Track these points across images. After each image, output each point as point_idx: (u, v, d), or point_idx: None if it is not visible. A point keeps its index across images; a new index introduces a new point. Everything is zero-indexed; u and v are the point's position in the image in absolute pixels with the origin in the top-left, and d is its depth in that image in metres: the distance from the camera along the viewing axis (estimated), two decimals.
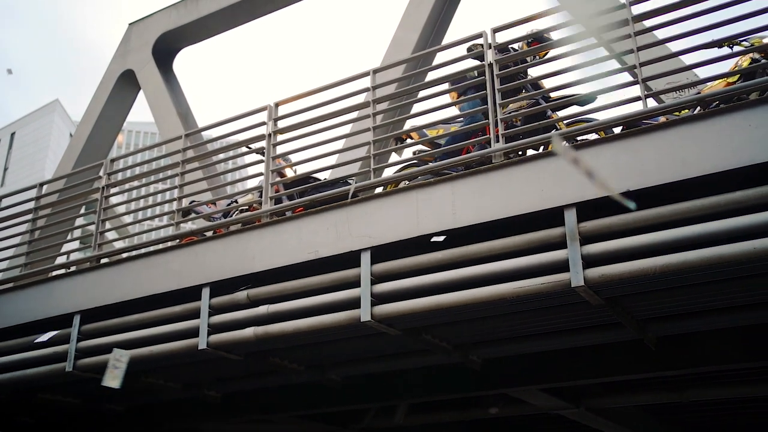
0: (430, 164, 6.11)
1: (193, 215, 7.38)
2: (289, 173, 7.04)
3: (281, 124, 6.70)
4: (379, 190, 6.30)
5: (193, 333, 6.11)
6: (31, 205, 8.20)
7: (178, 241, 6.99)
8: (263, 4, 11.28)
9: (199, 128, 8.13)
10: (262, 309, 5.84)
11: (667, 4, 5.13)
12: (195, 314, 6.18)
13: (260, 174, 6.75)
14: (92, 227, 7.57)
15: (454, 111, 6.57)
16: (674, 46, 5.39)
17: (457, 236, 5.16)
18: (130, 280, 6.72)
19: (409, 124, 6.84)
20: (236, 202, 7.45)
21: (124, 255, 7.17)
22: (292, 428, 8.93)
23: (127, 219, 12.13)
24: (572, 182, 4.77)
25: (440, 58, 8.26)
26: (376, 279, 5.38)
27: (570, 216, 4.71)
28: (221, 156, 7.88)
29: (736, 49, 5.40)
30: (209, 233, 6.90)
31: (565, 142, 5.54)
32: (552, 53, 5.61)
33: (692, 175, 4.42)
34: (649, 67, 5.16)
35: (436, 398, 7.58)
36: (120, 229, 11.41)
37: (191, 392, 7.72)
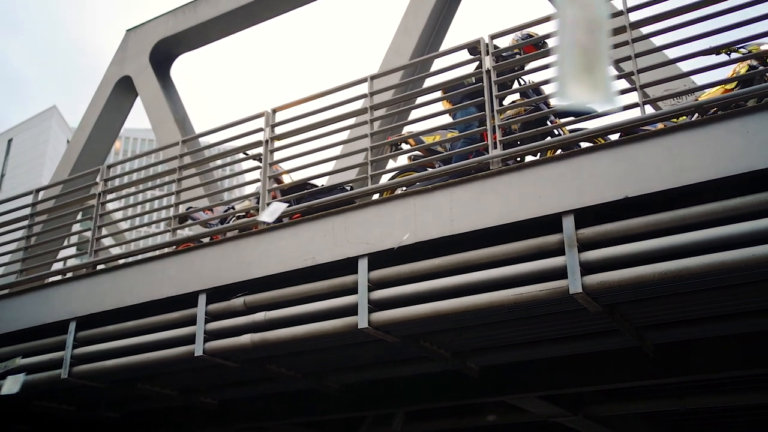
0: (430, 170, 6.10)
1: (189, 222, 7.35)
2: (287, 179, 7.03)
3: (278, 130, 6.69)
4: (376, 196, 6.28)
5: (190, 340, 6.08)
6: (28, 211, 8.18)
7: (174, 247, 6.96)
8: (261, 11, 11.29)
9: (196, 134, 8.11)
10: (259, 316, 5.82)
11: (665, 11, 5.13)
12: (191, 321, 6.15)
13: (257, 180, 6.73)
14: (88, 233, 7.54)
15: (451, 118, 6.56)
16: (672, 53, 5.39)
17: (454, 243, 5.14)
18: (127, 287, 6.69)
19: (406, 131, 6.83)
20: (233, 208, 7.43)
21: (121, 261, 7.14)
22: None
23: (124, 225, 12.10)
24: (570, 189, 4.77)
25: (438, 64, 8.28)
26: (374, 286, 5.36)
27: (568, 222, 4.70)
28: (218, 162, 7.86)
29: (734, 56, 5.41)
30: (206, 239, 6.87)
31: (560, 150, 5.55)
32: (550, 59, 5.60)
33: (690, 181, 4.41)
34: (647, 74, 5.16)
35: (434, 406, 7.54)
36: (116, 235, 11.37)
37: (187, 399, 7.68)
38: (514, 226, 4.92)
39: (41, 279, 7.83)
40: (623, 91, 5.32)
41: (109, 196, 7.74)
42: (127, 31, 12.52)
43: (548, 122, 6.12)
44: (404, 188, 6.12)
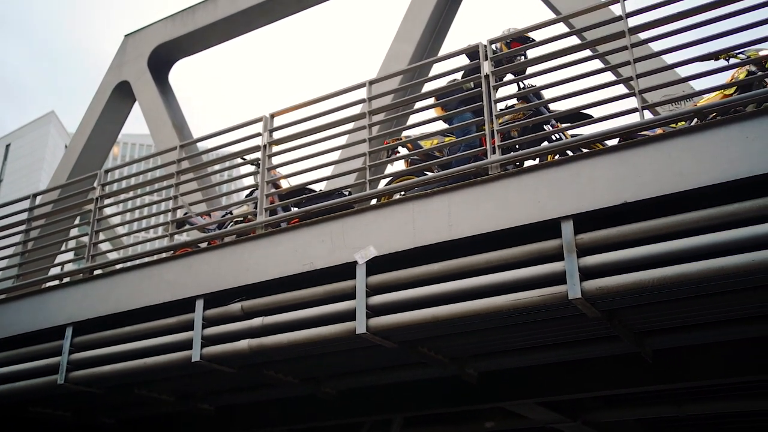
0: (429, 174, 6.09)
1: (187, 227, 7.33)
2: (284, 185, 7.01)
3: (277, 135, 6.67)
4: (374, 201, 6.27)
5: (187, 345, 6.05)
6: (25, 216, 8.15)
7: (172, 252, 6.94)
8: (259, 17, 11.32)
9: (194, 139, 8.10)
10: (257, 321, 5.79)
11: (664, 16, 5.13)
12: (189, 326, 6.12)
13: (255, 186, 6.72)
14: (86, 239, 7.51)
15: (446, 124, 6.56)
16: (671, 58, 5.39)
17: (453, 248, 5.13)
18: (124, 292, 6.67)
19: (404, 136, 6.82)
20: (231, 213, 7.41)
21: (118, 266, 7.11)
22: None
23: (121, 230, 12.07)
24: (569, 194, 4.76)
25: (436, 69, 8.28)
26: (372, 291, 5.34)
27: (567, 228, 4.68)
28: (216, 167, 7.84)
29: (733, 61, 5.41)
30: (203, 244, 6.85)
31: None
32: (549, 64, 5.59)
33: (689, 187, 4.39)
34: (646, 79, 5.15)
35: (432, 412, 7.51)
36: (114, 240, 11.35)
37: (184, 405, 7.65)
38: (513, 231, 4.91)
39: (38, 284, 7.79)
40: (622, 96, 5.31)
41: (107, 201, 7.73)
42: (126, 36, 12.53)
43: (547, 126, 6.12)
44: (402, 193, 6.10)
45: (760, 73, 5.33)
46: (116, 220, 12.48)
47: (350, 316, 5.33)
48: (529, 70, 5.89)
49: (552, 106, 6.12)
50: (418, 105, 6.68)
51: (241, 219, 7.17)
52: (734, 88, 5.36)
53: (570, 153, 5.60)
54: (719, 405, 7.12)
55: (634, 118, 5.03)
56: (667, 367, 5.81)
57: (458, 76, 6.21)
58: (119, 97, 12.36)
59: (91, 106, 12.49)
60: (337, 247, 5.59)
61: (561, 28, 7.10)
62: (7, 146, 49.62)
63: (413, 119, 6.79)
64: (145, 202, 7.80)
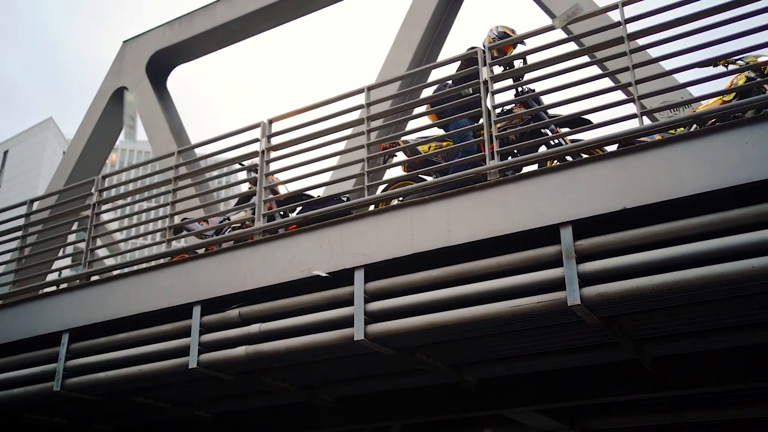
0: (428, 180, 6.08)
1: (184, 233, 7.30)
2: (282, 191, 7.00)
3: (275, 140, 6.66)
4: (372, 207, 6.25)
5: (184, 352, 6.02)
6: (22, 222, 8.12)
7: (169, 258, 6.91)
8: (257, 23, 11.31)
9: (191, 145, 8.08)
10: (254, 327, 5.77)
11: (663, 22, 5.13)
12: (186, 333, 6.09)
13: (252, 190, 6.70)
14: (83, 245, 7.48)
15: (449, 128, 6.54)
16: (669, 64, 5.38)
17: (451, 254, 5.10)
18: (120, 298, 6.63)
19: (402, 141, 6.80)
20: (228, 219, 7.38)
21: (115, 272, 7.08)
22: None
23: (119, 236, 12.03)
24: (568, 200, 4.74)
25: (435, 75, 8.28)
26: (370, 297, 5.32)
27: (566, 234, 4.67)
28: (214, 173, 7.82)
29: (731, 67, 5.41)
30: (201, 251, 6.83)
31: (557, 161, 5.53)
32: (548, 69, 5.58)
33: (689, 193, 4.38)
34: (644, 84, 5.15)
35: (430, 419, 7.48)
36: (111, 246, 11.31)
37: (181, 412, 7.61)
38: (512, 238, 4.89)
39: (35, 290, 7.75)
40: (621, 102, 5.31)
41: (104, 207, 7.70)
42: (124, 42, 12.52)
43: (546, 131, 6.11)
44: (400, 199, 6.08)
45: (759, 79, 5.33)
46: (113, 226, 12.45)
47: (348, 322, 5.30)
48: (529, 76, 5.88)
49: (551, 112, 6.10)
50: (417, 111, 6.68)
51: (238, 225, 7.14)
52: (733, 94, 5.35)
53: (569, 159, 5.58)
54: (719, 413, 7.09)
55: (633, 124, 5.02)
56: (666, 374, 5.78)
57: (448, 71, 6.20)
58: (117, 103, 12.34)
59: (89, 112, 12.47)
60: (335, 253, 5.57)
61: (559, 34, 7.11)
62: (5, 152, 49.60)
63: (412, 125, 6.77)
64: (143, 208, 7.75)
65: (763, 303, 4.77)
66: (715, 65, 5.40)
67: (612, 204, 4.59)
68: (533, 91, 6.19)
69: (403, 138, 6.71)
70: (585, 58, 5.63)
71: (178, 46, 11.86)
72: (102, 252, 9.62)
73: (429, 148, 6.58)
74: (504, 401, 6.51)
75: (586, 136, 5.69)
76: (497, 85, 5.68)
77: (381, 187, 6.68)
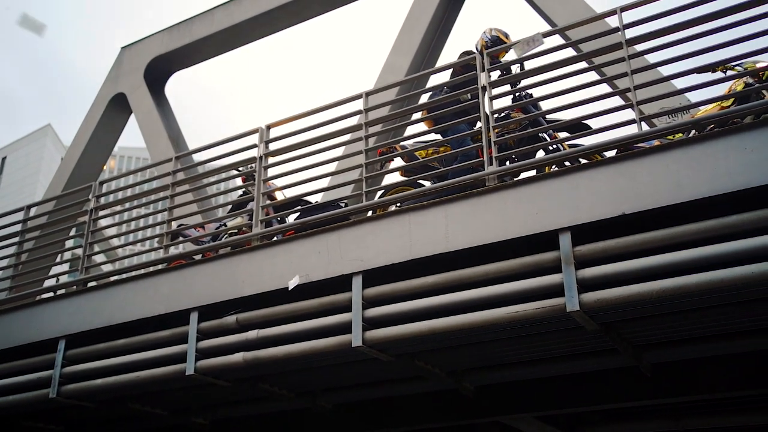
0: (426, 186, 6.06)
1: (180, 239, 7.27)
2: (279, 197, 6.97)
3: (273, 146, 6.64)
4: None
5: (181, 358, 5.99)
6: (19, 228, 8.09)
7: (165, 264, 6.88)
8: (256, 29, 11.33)
9: (189, 151, 8.06)
10: (252, 334, 5.74)
11: (661, 28, 5.13)
12: (183, 339, 6.06)
13: (250, 196, 6.67)
14: (80, 251, 7.45)
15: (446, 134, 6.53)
16: (668, 70, 5.38)
17: (450, 260, 5.08)
18: (117, 304, 6.60)
19: (400, 146, 6.79)
20: (225, 225, 7.36)
21: (112, 279, 7.05)
22: None
23: (116, 242, 12.01)
24: (567, 205, 4.73)
25: (433, 81, 8.28)
26: (368, 303, 5.29)
27: (565, 240, 4.65)
28: (211, 179, 7.81)
29: (730, 73, 5.41)
30: (198, 257, 6.80)
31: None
32: (547, 75, 5.57)
33: (688, 198, 4.37)
34: (643, 90, 5.14)
35: (429, 426, 7.42)
36: (108, 252, 11.29)
37: (179, 419, 7.56)
38: (511, 243, 4.87)
39: (31, 296, 7.72)
40: (620, 108, 5.30)
41: (101, 213, 7.67)
42: (122, 48, 12.53)
43: (544, 137, 6.10)
44: (399, 205, 6.06)
45: (757, 84, 5.32)
46: (111, 232, 12.43)
47: (346, 328, 5.28)
48: (528, 81, 5.88)
49: (549, 117, 6.10)
50: (415, 116, 6.67)
51: (236, 231, 7.12)
52: (732, 99, 5.34)
53: (568, 164, 5.57)
54: (719, 419, 7.08)
55: (631, 130, 5.01)
56: (666, 380, 5.76)
57: (447, 77, 6.20)
58: (115, 109, 12.34)
59: (87, 118, 12.46)
60: (333, 259, 5.55)
61: (557, 39, 7.11)
62: (3, 159, 49.55)
63: (410, 130, 6.76)
64: (141, 213, 7.73)
65: (764, 309, 4.75)
66: (714, 71, 5.40)
67: (611, 210, 4.57)
68: (531, 96, 6.18)
69: (401, 143, 6.70)
70: (583, 64, 5.62)
71: (177, 52, 11.87)
72: (99, 258, 9.60)
73: (426, 153, 6.56)
74: (503, 408, 6.47)
75: (585, 141, 5.69)
76: (495, 91, 5.68)
77: (379, 193, 6.66)
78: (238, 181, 7.48)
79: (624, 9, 5.28)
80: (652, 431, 7.77)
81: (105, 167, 14.37)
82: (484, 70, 5.69)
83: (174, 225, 7.14)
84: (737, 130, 4.40)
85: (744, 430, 8.13)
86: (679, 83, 5.80)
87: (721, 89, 5.56)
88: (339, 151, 6.75)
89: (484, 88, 5.62)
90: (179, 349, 6.05)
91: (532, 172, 5.47)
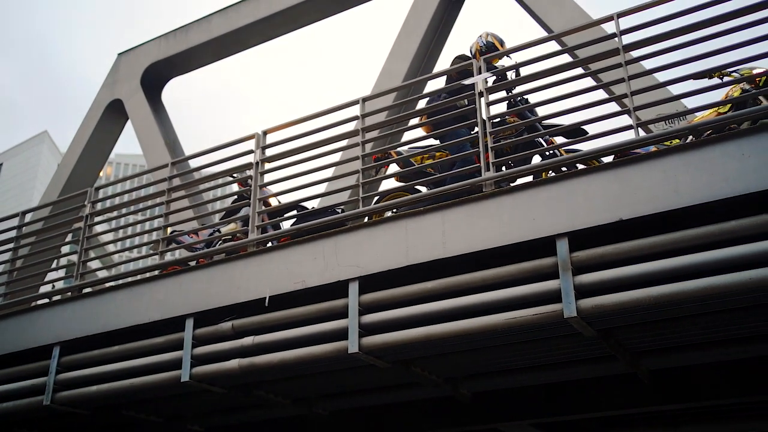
0: (423, 192, 6.05)
1: (174, 245, 7.23)
2: (274, 203, 6.95)
3: (269, 152, 6.62)
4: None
5: (176, 365, 5.95)
6: (14, 234, 8.05)
7: (158, 271, 6.85)
8: (253, 35, 11.33)
9: (185, 156, 8.04)
10: (248, 340, 5.71)
11: (658, 34, 5.13)
12: (178, 346, 6.02)
13: (245, 201, 6.65)
14: (75, 257, 7.42)
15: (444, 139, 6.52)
16: (665, 76, 5.38)
17: (447, 266, 5.06)
18: (112, 311, 6.57)
19: (396, 152, 6.77)
20: (219, 231, 7.33)
21: (107, 285, 7.02)
22: None
23: (111, 248, 11.98)
24: (564, 211, 4.71)
25: (431, 86, 8.28)
26: (365, 309, 5.27)
27: (562, 245, 4.63)
28: (207, 185, 7.78)
29: (726, 79, 5.41)
30: (193, 263, 6.77)
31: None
32: (544, 81, 5.56)
33: (685, 204, 4.36)
34: (639, 96, 5.13)
35: None
36: (104, 258, 11.25)
37: (173, 426, 7.52)
38: (508, 249, 4.85)
39: (26, 302, 7.68)
40: (616, 114, 5.30)
41: (97, 219, 7.64)
42: (119, 54, 12.52)
43: (541, 142, 6.09)
44: (395, 210, 6.04)
45: (753, 90, 5.32)
46: (106, 238, 12.39)
47: (342, 335, 5.25)
48: (525, 87, 5.87)
49: (546, 123, 6.09)
50: (413, 122, 6.66)
51: (230, 237, 7.08)
52: (729, 105, 5.34)
53: (565, 170, 5.56)
54: (717, 427, 7.05)
55: (628, 136, 5.00)
56: (664, 387, 5.74)
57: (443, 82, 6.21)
58: (112, 116, 12.32)
59: (84, 124, 12.44)
60: (329, 265, 5.52)
61: (554, 45, 7.11)
62: (0, 165, 49.50)
63: (407, 136, 6.75)
64: (137, 219, 7.70)
65: (762, 315, 4.74)
66: (710, 77, 5.39)
67: (608, 215, 4.56)
68: (528, 101, 6.17)
69: (397, 149, 6.68)
70: (579, 70, 5.62)
71: (173, 59, 11.87)
72: (94, 264, 9.55)
73: (422, 159, 6.54)
74: (500, 415, 6.44)
75: (582, 147, 5.68)
76: (492, 96, 5.67)
77: (375, 199, 6.64)
78: (235, 187, 7.45)
79: (621, 15, 5.28)
80: None
81: (102, 174, 14.34)
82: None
83: (170, 231, 7.11)
84: (734, 136, 4.40)
85: None
86: (676, 89, 5.80)
87: (718, 95, 5.56)
88: (336, 157, 6.72)
89: (480, 94, 5.61)
90: (174, 356, 6.01)
91: (529, 178, 5.45)
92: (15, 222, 8.13)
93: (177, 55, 11.80)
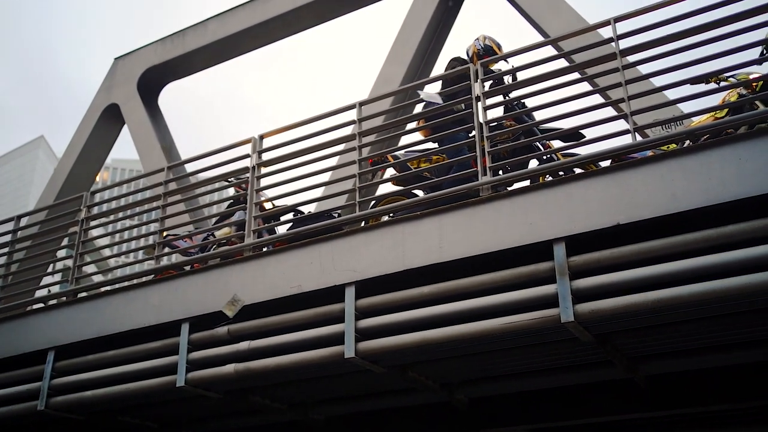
0: (420, 196, 6.03)
1: (167, 250, 7.19)
2: (268, 206, 6.93)
3: (266, 156, 6.61)
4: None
5: (171, 370, 5.92)
6: (8, 238, 8.02)
7: (153, 276, 6.82)
8: (250, 40, 11.33)
9: (181, 161, 8.02)
10: (244, 345, 5.68)
11: (655, 38, 5.13)
12: (173, 350, 6.00)
13: (241, 206, 6.63)
14: (70, 261, 7.39)
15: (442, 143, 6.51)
16: (661, 81, 5.37)
17: (443, 270, 5.05)
18: (108, 315, 6.54)
19: (392, 156, 6.76)
20: (213, 235, 7.30)
21: (102, 289, 6.99)
22: None
23: (107, 253, 11.93)
24: (561, 215, 4.70)
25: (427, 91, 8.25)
26: (361, 314, 5.25)
27: (559, 250, 4.62)
28: (203, 189, 7.76)
29: (723, 84, 5.42)
30: (187, 267, 6.74)
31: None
32: (541, 85, 5.56)
33: (682, 208, 4.35)
34: (636, 101, 5.13)
35: None
36: (99, 262, 11.22)
37: None
38: (505, 254, 4.84)
39: (21, 307, 7.64)
40: (613, 118, 5.29)
41: (93, 223, 7.61)
42: (116, 59, 12.51)
43: (539, 146, 6.09)
44: (392, 215, 6.03)
45: (750, 95, 5.33)
46: (102, 242, 12.34)
47: (339, 339, 5.23)
48: (522, 91, 5.87)
49: (543, 127, 6.09)
50: (410, 126, 6.65)
51: (224, 241, 7.06)
52: (726, 110, 5.35)
53: (562, 174, 5.56)
54: None
55: (625, 140, 5.00)
56: (661, 393, 5.72)
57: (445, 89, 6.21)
58: (108, 120, 12.29)
59: (80, 128, 12.40)
60: (326, 269, 5.51)
61: (550, 50, 7.11)
62: None
63: (404, 140, 6.74)
64: (134, 223, 7.67)
65: (760, 320, 4.73)
66: (707, 82, 5.40)
67: (606, 220, 4.55)
68: (525, 106, 6.17)
69: (394, 153, 6.67)
70: (576, 75, 5.62)
71: (170, 63, 11.86)
72: (90, 269, 9.53)
73: (418, 163, 6.53)
74: (496, 421, 6.42)
75: (579, 151, 5.67)
76: (489, 101, 5.66)
77: (372, 203, 6.63)
78: (231, 191, 7.43)
79: (618, 20, 5.28)
80: None
81: (98, 179, 14.31)
82: (477, 80, 5.68)
83: (164, 235, 7.08)
84: (731, 141, 4.40)
85: None
86: (673, 94, 5.81)
87: (715, 100, 5.56)
88: (332, 161, 6.71)
89: (477, 98, 5.61)
90: (170, 361, 5.98)
91: (526, 182, 5.45)
92: (10, 226, 8.10)
93: (174, 60, 11.79)
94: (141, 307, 6.38)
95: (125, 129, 12.27)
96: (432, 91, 6.21)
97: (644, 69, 5.53)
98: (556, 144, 6.08)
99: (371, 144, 6.60)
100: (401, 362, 5.52)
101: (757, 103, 5.36)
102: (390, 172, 6.78)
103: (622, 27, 5.26)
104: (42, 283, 8.50)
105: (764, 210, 4.16)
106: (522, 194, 4.97)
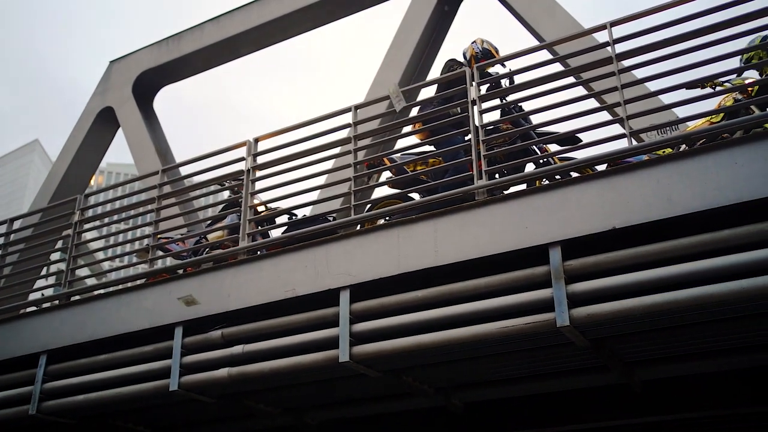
0: (415, 199, 6.02)
1: (160, 253, 7.15)
2: (262, 210, 6.90)
3: (261, 159, 6.58)
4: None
5: (165, 374, 5.89)
6: (1, 241, 7.97)
7: (145, 279, 6.78)
8: (246, 44, 11.29)
9: (176, 164, 7.99)
10: (237, 349, 5.65)
11: (651, 43, 5.13)
12: (167, 354, 5.96)
13: (235, 209, 6.60)
14: (63, 264, 7.34)
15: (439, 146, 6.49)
16: (657, 85, 5.38)
17: (439, 274, 5.03)
18: (100, 319, 6.49)
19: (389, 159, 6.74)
20: (206, 239, 7.26)
21: (95, 292, 6.94)
22: None
23: (100, 256, 11.88)
24: (557, 220, 4.69)
25: (423, 94, 8.26)
26: (356, 318, 5.23)
27: (555, 254, 4.61)
28: (198, 192, 7.72)
29: (719, 89, 5.42)
30: (180, 271, 6.71)
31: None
32: (538, 89, 5.55)
33: (678, 213, 4.35)
34: (632, 105, 5.13)
35: None
36: (92, 265, 11.16)
37: None
38: (500, 258, 4.82)
39: (15, 310, 7.58)
40: (609, 123, 5.29)
41: (86, 226, 7.57)
42: (111, 62, 12.46)
43: (535, 150, 6.08)
44: (387, 218, 6.01)
45: (746, 100, 5.34)
46: (95, 245, 12.29)
47: (333, 343, 5.21)
48: (518, 95, 5.86)
49: (539, 131, 6.08)
50: (406, 130, 6.63)
51: (217, 245, 7.02)
52: (721, 114, 5.35)
53: (558, 178, 5.54)
54: None
55: (621, 144, 4.99)
56: (657, 398, 5.71)
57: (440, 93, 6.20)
58: (103, 123, 12.23)
59: (74, 131, 12.34)
60: (320, 273, 5.48)
61: (546, 54, 7.11)
62: None
63: (400, 144, 6.73)
64: (128, 226, 7.62)
65: (756, 325, 4.72)
66: (703, 87, 5.40)
67: (602, 224, 4.54)
68: (522, 109, 6.16)
69: (390, 157, 6.65)
70: (572, 79, 5.61)
71: (166, 67, 11.81)
72: (83, 272, 9.46)
73: (414, 167, 6.51)
74: (492, 426, 6.40)
75: (575, 155, 5.66)
76: (485, 104, 5.65)
77: (367, 207, 6.61)
78: (226, 195, 7.40)
79: (614, 24, 5.28)
80: None
81: (93, 183, 14.24)
82: (473, 84, 5.67)
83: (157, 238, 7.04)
84: (727, 145, 4.40)
85: None
86: (669, 98, 5.80)
87: (711, 105, 5.56)
88: (328, 165, 6.69)
89: (473, 102, 5.60)
90: (163, 365, 5.95)
91: (522, 186, 5.43)
92: (3, 229, 8.05)
93: (169, 63, 11.74)
94: (134, 310, 6.34)
95: (120, 132, 12.22)
96: (430, 94, 6.19)
97: (640, 73, 5.53)
98: (552, 148, 6.07)
99: (367, 147, 6.58)
100: (396, 366, 5.50)
101: (753, 107, 5.36)
102: (387, 176, 6.77)
103: (618, 31, 5.27)
104: (35, 286, 8.44)
105: (760, 214, 4.16)
106: (518, 198, 4.95)
